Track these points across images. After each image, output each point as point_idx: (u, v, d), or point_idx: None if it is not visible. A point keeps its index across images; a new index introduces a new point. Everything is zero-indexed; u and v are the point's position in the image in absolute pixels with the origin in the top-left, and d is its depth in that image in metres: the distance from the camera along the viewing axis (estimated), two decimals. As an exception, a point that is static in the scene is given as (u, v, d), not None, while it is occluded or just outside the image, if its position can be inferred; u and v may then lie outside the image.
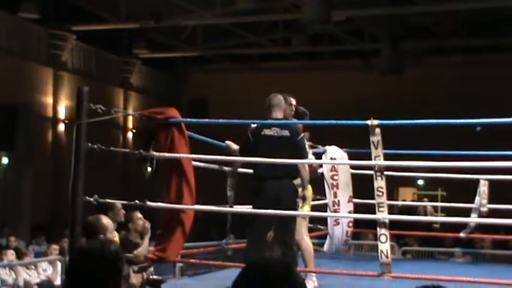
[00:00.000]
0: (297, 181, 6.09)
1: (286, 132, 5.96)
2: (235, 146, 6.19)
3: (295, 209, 5.97)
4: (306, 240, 6.46)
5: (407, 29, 15.43)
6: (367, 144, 6.00)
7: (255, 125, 6.09)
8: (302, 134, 6.11)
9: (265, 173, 5.87)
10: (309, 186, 6.37)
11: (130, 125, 17.55)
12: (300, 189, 6.17)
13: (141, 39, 16.86)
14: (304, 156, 6.04)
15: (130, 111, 17.40)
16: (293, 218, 6.02)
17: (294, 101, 6.50)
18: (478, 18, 14.42)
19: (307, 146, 6.61)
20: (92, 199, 5.37)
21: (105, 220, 4.93)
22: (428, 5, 13.13)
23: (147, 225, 5.98)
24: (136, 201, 5.55)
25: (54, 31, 15.09)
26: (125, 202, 5.59)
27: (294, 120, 6.36)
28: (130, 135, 17.53)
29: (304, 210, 6.37)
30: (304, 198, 6.13)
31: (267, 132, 5.94)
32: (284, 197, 5.85)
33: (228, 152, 6.21)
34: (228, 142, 6.23)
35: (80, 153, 5.28)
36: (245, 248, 6.09)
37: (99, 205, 5.58)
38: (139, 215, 5.97)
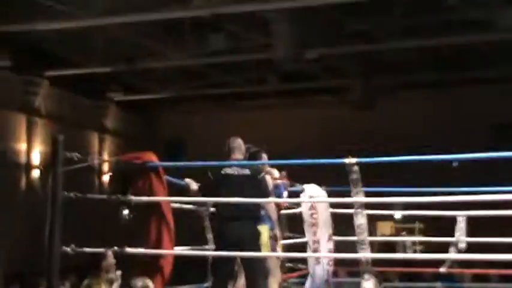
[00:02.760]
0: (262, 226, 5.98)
1: (246, 171, 5.89)
2: (195, 185, 6.07)
3: (258, 252, 5.82)
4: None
5: (379, 64, 15.59)
6: (347, 180, 6.01)
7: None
8: (263, 173, 6.06)
9: (227, 214, 5.77)
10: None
11: (106, 168, 17.42)
12: (266, 230, 6.08)
13: (114, 83, 16.83)
14: (267, 194, 5.98)
15: (105, 154, 17.31)
16: (258, 261, 5.87)
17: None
18: (445, 53, 14.64)
19: (280, 183, 6.57)
20: (68, 249, 5.29)
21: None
22: (399, 42, 13.30)
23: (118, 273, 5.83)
24: (115, 248, 5.49)
25: (26, 77, 15.03)
26: (102, 250, 5.52)
27: (272, 161, 6.36)
28: (106, 178, 17.40)
29: (278, 249, 6.32)
30: (275, 238, 6.14)
31: (228, 171, 5.87)
32: (246, 240, 5.72)
33: (188, 191, 6.11)
34: (187, 180, 6.10)
35: (57, 202, 5.21)
36: None
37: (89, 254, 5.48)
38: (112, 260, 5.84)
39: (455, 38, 13.02)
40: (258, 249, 5.90)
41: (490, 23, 12.05)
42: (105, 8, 11.66)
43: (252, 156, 6.52)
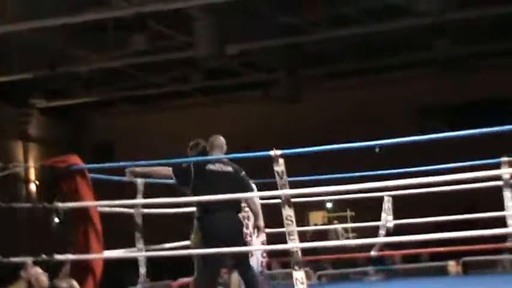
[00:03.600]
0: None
1: (229, 169, 6.14)
2: (138, 169, 6.20)
3: (246, 244, 6.32)
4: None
5: (303, 56, 15.74)
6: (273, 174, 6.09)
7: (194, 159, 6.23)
8: (244, 172, 6.31)
9: (212, 208, 5.96)
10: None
11: (32, 177, 17.09)
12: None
13: (37, 89, 16.51)
14: (249, 191, 6.28)
15: (31, 163, 16.98)
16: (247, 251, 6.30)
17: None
18: (370, 40, 14.89)
19: None
20: (-5, 259, 5.19)
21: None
22: (321, 33, 13.44)
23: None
24: (44, 256, 5.41)
25: None
26: (31, 258, 5.43)
27: (200, 157, 6.40)
28: (33, 187, 17.07)
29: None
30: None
31: (211, 167, 6.07)
32: (236, 232, 6.06)
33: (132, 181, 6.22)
34: (130, 169, 6.20)
35: (-21, 212, 5.12)
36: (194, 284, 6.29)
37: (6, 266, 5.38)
38: (40, 270, 5.72)
39: (376, 26, 13.25)
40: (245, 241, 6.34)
41: (408, 9, 12.32)
42: (20, 13, 11.42)
43: (204, 150, 6.63)
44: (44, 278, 5.43)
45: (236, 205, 6.19)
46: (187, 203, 6.80)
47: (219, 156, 6.27)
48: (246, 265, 6.26)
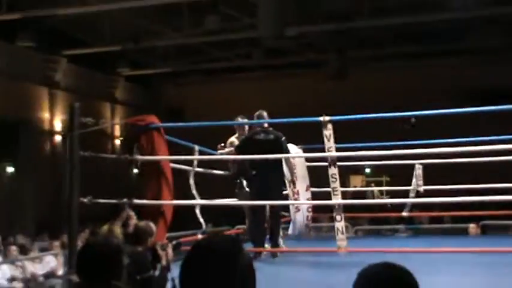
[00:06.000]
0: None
1: (271, 137, 6.67)
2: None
3: (283, 195, 6.82)
4: None
5: (351, 39, 15.50)
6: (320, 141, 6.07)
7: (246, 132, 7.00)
8: (284, 138, 6.78)
9: (257, 170, 6.53)
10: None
11: (117, 133, 17.42)
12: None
13: (123, 59, 16.75)
14: (287, 153, 6.76)
15: (116, 121, 17.30)
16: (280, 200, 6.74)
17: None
18: (411, 29, 14.56)
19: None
20: (86, 200, 5.31)
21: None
22: (369, 20, 13.21)
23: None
24: (125, 199, 5.51)
25: (48, 56, 14.97)
26: (114, 201, 5.54)
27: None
28: (117, 142, 17.38)
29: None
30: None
31: (257, 137, 6.67)
32: (274, 186, 6.53)
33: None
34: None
35: (74, 160, 5.23)
36: (248, 228, 6.87)
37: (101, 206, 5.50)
38: (132, 212, 5.83)
39: (414, 17, 12.99)
40: (281, 195, 6.72)
41: (443, 4, 12.10)
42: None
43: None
44: (135, 218, 5.54)
45: (277, 166, 6.58)
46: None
47: (268, 120, 6.82)
48: (276, 212, 6.72)
